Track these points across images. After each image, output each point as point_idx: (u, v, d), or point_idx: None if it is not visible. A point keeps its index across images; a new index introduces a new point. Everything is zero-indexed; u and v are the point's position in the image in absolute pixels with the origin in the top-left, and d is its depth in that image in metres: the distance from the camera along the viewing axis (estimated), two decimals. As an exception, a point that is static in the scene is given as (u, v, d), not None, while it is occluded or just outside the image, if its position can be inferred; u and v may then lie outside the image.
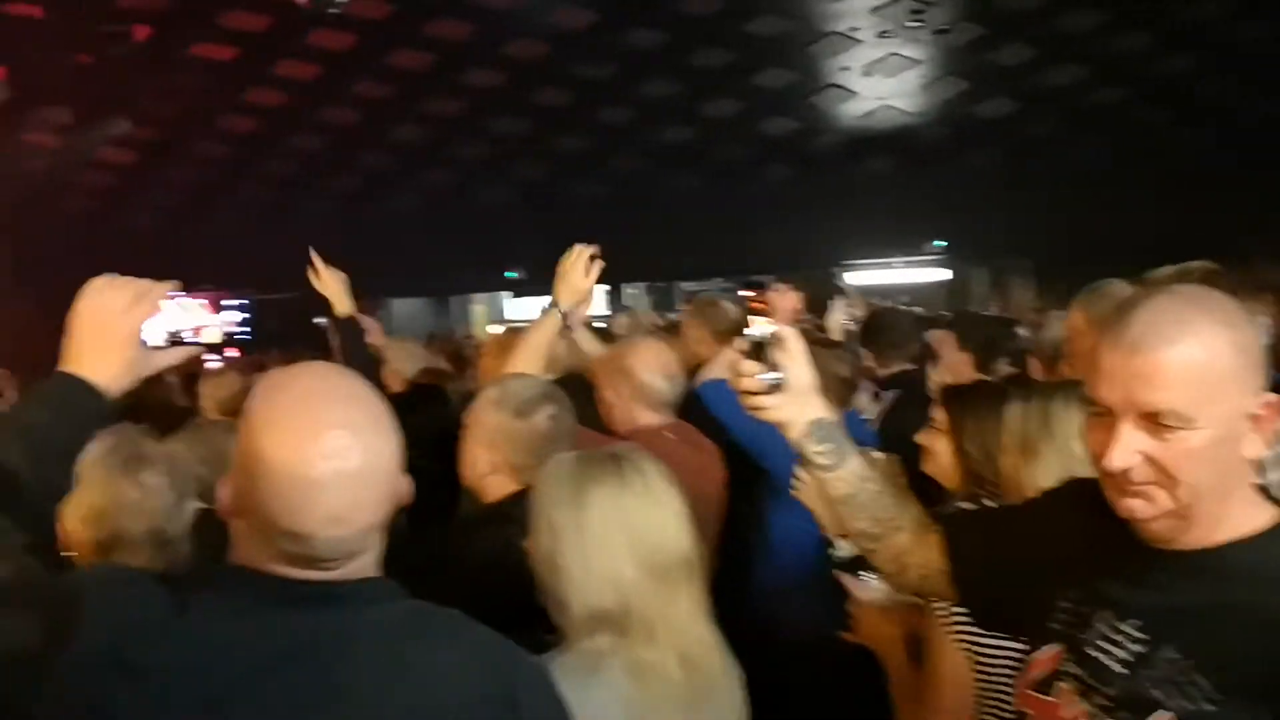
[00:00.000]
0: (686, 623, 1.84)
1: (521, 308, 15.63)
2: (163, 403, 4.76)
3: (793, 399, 1.66)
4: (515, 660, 1.42)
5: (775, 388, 1.65)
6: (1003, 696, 2.08)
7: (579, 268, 3.05)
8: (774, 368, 1.64)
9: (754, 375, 1.65)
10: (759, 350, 1.65)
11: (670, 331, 4.91)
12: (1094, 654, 1.42)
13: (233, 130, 14.07)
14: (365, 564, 1.35)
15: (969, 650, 2.18)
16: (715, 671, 1.87)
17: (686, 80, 13.11)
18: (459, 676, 1.35)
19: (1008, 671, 2.07)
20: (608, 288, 14.84)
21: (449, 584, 1.52)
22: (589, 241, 3.09)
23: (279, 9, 11.15)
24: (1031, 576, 1.55)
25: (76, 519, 2.07)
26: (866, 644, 2.44)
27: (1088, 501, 1.45)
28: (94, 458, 2.06)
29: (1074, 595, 1.49)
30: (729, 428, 3.34)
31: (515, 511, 2.43)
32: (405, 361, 4.35)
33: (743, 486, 3.36)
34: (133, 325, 1.55)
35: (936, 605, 2.18)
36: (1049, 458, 2.14)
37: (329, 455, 1.25)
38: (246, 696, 1.25)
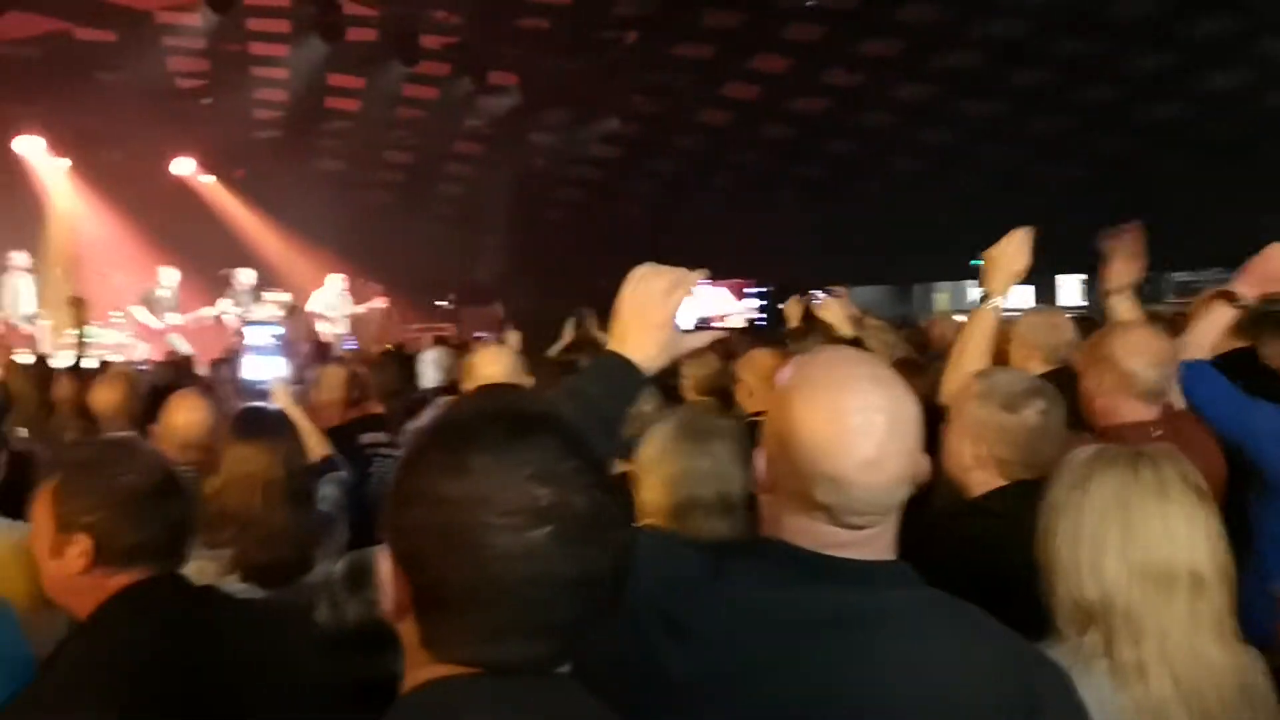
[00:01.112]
0: (1183, 639, 1.72)
1: (985, 296, 15.04)
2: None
3: None
4: (1037, 660, 1.41)
5: None
6: None
7: (1016, 250, 2.98)
8: None
9: None
10: None
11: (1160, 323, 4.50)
12: None
13: (709, 123, 14.79)
14: (889, 538, 1.40)
15: None
16: (1223, 702, 1.72)
17: (1179, 52, 12.00)
18: (981, 671, 1.36)
19: None
20: (1083, 276, 13.96)
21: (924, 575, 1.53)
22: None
23: (754, 5, 11.56)
24: None
25: (655, 486, 2.23)
26: None
27: None
28: (670, 431, 2.27)
29: None
30: (1205, 411, 3.03)
31: (997, 506, 2.39)
32: (881, 350, 4.31)
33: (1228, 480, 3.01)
34: (669, 310, 1.69)
35: None
36: None
37: (860, 407, 1.35)
38: (779, 665, 1.32)
